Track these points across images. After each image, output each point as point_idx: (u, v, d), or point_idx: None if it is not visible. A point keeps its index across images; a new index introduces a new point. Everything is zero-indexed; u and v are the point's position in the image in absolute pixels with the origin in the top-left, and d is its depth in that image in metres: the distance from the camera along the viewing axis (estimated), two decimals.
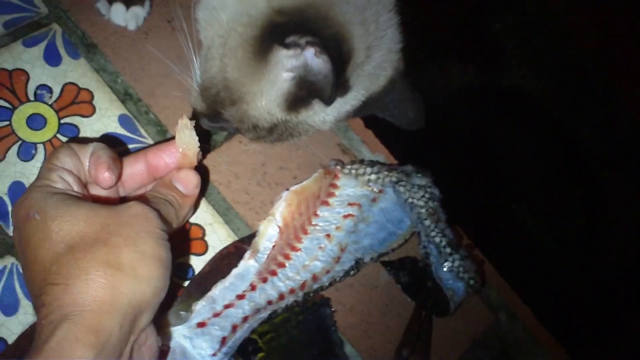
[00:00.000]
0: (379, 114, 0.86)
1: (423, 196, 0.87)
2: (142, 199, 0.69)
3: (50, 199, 0.63)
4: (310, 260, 0.81)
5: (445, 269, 0.87)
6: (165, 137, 0.86)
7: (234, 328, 0.76)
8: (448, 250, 0.86)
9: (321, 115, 0.79)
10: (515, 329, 0.91)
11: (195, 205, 0.82)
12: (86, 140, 0.74)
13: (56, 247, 0.59)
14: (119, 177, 0.72)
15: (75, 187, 0.68)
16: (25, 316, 0.75)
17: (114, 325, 0.57)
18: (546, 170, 1.95)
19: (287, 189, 0.83)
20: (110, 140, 0.85)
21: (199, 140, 0.76)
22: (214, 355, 0.74)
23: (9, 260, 0.77)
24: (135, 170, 0.75)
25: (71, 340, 0.55)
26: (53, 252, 0.59)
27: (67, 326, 0.55)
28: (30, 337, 0.69)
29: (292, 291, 0.80)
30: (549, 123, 2.11)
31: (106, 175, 0.69)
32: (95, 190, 0.72)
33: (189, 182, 0.74)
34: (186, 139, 0.75)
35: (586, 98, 2.16)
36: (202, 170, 0.82)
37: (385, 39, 0.79)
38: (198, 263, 0.82)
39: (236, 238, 0.85)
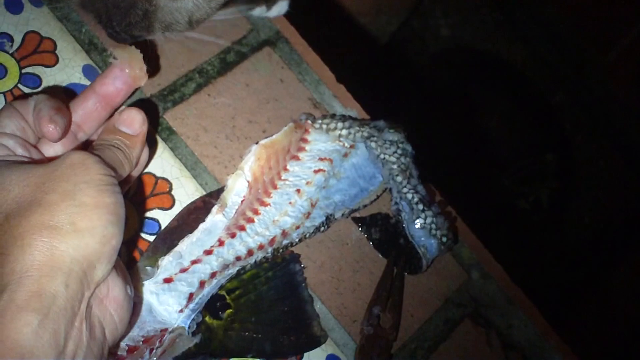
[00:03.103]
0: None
1: (395, 152, 0.85)
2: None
3: None
4: (280, 216, 0.80)
5: (417, 226, 0.85)
6: None
7: (202, 284, 0.74)
8: (420, 207, 0.85)
9: None
10: (488, 288, 0.90)
11: (151, 142, 0.79)
12: (49, 92, 0.72)
13: None
14: (67, 125, 0.68)
15: (19, 151, 0.65)
16: None
17: (58, 286, 0.54)
18: (520, 134, 1.96)
19: (257, 143, 0.81)
20: (73, 92, 0.82)
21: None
22: (180, 311, 0.73)
23: None
24: (87, 109, 0.72)
25: (12, 310, 0.52)
26: None
27: (7, 296, 0.53)
28: None
29: (261, 247, 0.78)
30: (523, 86, 2.11)
31: (50, 129, 0.66)
32: (50, 146, 0.69)
33: (132, 121, 0.71)
34: (127, 55, 0.72)
35: (560, 63, 2.16)
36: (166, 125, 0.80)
37: None
38: (165, 218, 0.80)
39: (204, 193, 0.83)
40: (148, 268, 0.74)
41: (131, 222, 0.79)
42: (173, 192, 0.82)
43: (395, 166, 0.85)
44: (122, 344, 0.69)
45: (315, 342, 0.82)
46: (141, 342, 0.71)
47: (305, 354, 0.81)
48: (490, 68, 2.14)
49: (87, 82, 0.82)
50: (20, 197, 0.57)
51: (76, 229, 0.56)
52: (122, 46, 0.73)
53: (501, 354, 0.88)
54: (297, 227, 0.81)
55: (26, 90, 0.80)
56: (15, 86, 0.80)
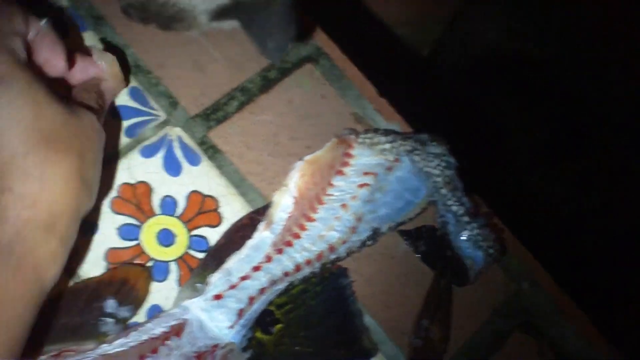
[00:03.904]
0: (243, 28, 0.82)
1: (438, 165, 0.85)
2: None
3: None
4: (327, 231, 0.80)
5: (463, 238, 0.86)
6: (176, 109, 0.85)
7: (251, 300, 0.75)
8: (466, 218, 0.85)
9: None
10: (538, 298, 0.90)
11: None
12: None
13: None
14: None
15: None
16: None
17: None
18: (561, 140, 1.94)
19: (301, 159, 0.82)
20: (121, 113, 0.83)
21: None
22: (231, 327, 0.74)
23: None
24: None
25: None
26: None
27: None
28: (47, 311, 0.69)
29: (308, 262, 0.79)
30: (557, 90, 2.09)
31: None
32: None
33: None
34: (107, 66, 0.75)
35: (607, 67, 2.14)
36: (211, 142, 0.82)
37: None
38: (213, 235, 0.81)
39: (250, 209, 0.84)
40: (198, 285, 0.75)
41: (180, 239, 0.80)
42: (220, 210, 0.83)
43: (439, 179, 0.85)
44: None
45: (365, 355, 0.82)
46: (194, 358, 0.71)
47: None
48: (536, 73, 2.12)
49: (133, 104, 0.84)
50: None
51: None
52: (103, 55, 0.75)
53: None
54: (344, 242, 0.81)
55: None
56: None
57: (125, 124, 0.83)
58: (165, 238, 0.80)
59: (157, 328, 0.71)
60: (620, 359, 0.89)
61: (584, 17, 2.02)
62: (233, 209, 0.83)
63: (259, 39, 0.81)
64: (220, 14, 0.81)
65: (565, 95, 2.00)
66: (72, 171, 0.62)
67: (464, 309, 0.87)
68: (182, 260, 0.79)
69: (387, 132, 0.87)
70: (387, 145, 0.86)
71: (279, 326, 0.78)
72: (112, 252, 0.78)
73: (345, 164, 0.84)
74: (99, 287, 0.74)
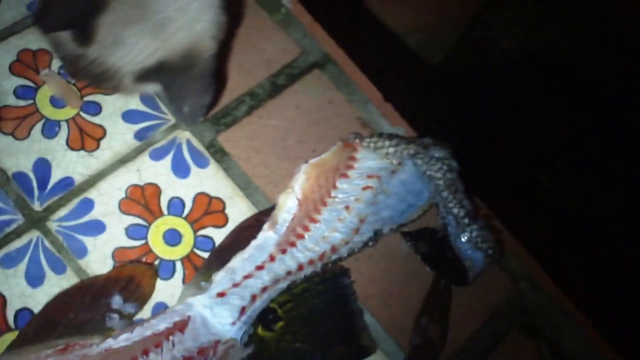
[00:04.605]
0: (164, 91, 0.83)
1: (441, 168, 0.87)
2: None
3: None
4: (330, 232, 0.82)
5: (463, 239, 0.87)
6: None
7: (254, 298, 0.77)
8: (466, 220, 0.87)
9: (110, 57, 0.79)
10: (537, 299, 0.92)
11: None
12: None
13: None
14: None
15: None
16: (50, 287, 0.78)
17: None
18: (582, 143, 1.92)
19: (306, 162, 0.84)
20: (132, 117, 0.87)
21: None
22: (233, 324, 0.76)
23: (35, 234, 0.79)
24: None
25: None
26: None
27: None
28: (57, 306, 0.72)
29: (311, 262, 0.81)
30: (593, 96, 2.07)
31: None
32: None
33: None
34: (62, 89, 0.80)
35: (632, 71, 2.12)
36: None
37: None
38: (218, 235, 0.84)
39: (256, 211, 0.87)
40: (202, 283, 0.77)
41: (187, 239, 0.83)
42: (226, 211, 0.85)
43: (441, 182, 0.87)
44: (178, 355, 0.73)
45: (365, 353, 0.84)
46: (196, 353, 0.74)
47: None
48: (558, 78, 2.10)
49: (144, 108, 0.87)
50: None
51: None
52: (54, 79, 0.78)
53: None
54: (347, 243, 0.83)
55: (87, 117, 0.85)
56: (77, 114, 0.85)
57: (136, 127, 0.86)
58: (172, 238, 0.83)
59: (161, 324, 0.74)
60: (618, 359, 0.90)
61: (606, 23, 2.01)
62: (239, 210, 0.86)
63: (176, 103, 0.83)
64: (143, 76, 0.82)
65: (580, 101, 2.00)
66: None
67: (463, 308, 0.89)
68: (187, 259, 0.82)
69: (391, 137, 0.89)
70: (391, 149, 0.88)
71: (280, 323, 0.80)
72: (119, 251, 0.81)
73: (350, 167, 0.86)
74: (106, 284, 0.77)
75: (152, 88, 0.85)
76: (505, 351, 0.89)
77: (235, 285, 0.77)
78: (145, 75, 0.81)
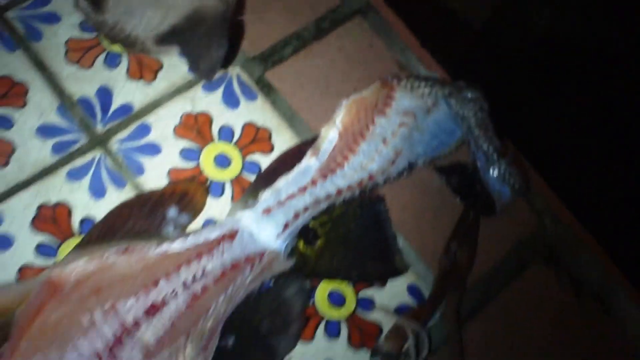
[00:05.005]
0: (181, 52, 0.91)
1: (472, 108, 0.93)
2: None
3: None
4: (367, 162, 0.89)
5: (492, 174, 0.93)
6: None
7: (296, 215, 0.84)
8: (495, 156, 0.93)
9: (126, 25, 0.88)
10: (559, 232, 0.97)
11: None
12: None
13: None
14: None
15: None
16: (111, 200, 0.85)
17: None
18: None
19: (348, 98, 0.91)
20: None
21: None
22: (277, 237, 0.82)
23: (97, 153, 0.86)
24: None
25: None
26: None
27: None
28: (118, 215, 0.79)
29: (349, 188, 0.87)
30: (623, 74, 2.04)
31: None
32: None
33: None
34: None
35: None
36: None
37: None
38: (264, 161, 0.91)
39: (299, 141, 0.94)
40: (250, 200, 0.84)
41: (236, 163, 0.89)
42: (272, 140, 0.92)
43: (472, 120, 0.93)
44: (227, 261, 0.79)
45: (397, 273, 0.91)
46: (243, 261, 0.80)
47: (388, 282, 0.90)
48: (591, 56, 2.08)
49: None
50: None
51: None
52: None
53: (571, 291, 0.95)
54: (383, 172, 0.89)
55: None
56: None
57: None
58: (222, 161, 0.89)
59: (213, 233, 0.80)
60: (634, 290, 0.96)
61: None
62: (284, 140, 0.93)
63: (191, 61, 0.92)
64: (161, 40, 0.90)
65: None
66: None
67: (490, 238, 0.95)
68: (236, 180, 0.89)
69: (427, 79, 0.96)
70: (427, 90, 0.94)
71: (320, 242, 0.87)
72: (173, 171, 0.88)
73: (388, 105, 0.93)
74: (162, 197, 0.84)
75: (173, 50, 0.92)
76: (528, 278, 0.95)
77: (280, 203, 0.84)
78: (162, 40, 0.89)
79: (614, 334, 0.95)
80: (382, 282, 0.90)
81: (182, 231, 0.83)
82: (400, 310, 0.89)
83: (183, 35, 0.88)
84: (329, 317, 0.86)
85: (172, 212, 0.82)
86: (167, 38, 0.88)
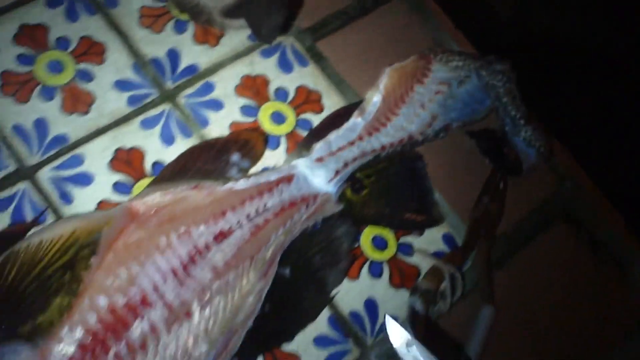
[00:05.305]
0: (246, 21, 0.99)
1: (501, 79, 1.03)
2: None
3: None
4: (407, 124, 0.98)
5: (519, 138, 1.03)
6: None
7: (346, 164, 0.92)
8: (522, 122, 1.02)
9: None
10: (579, 195, 1.08)
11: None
12: None
13: None
14: None
15: None
16: (179, 147, 0.94)
17: None
18: None
19: (390, 66, 1.01)
20: None
21: None
22: (329, 181, 0.91)
23: (167, 106, 0.96)
24: None
25: None
26: None
27: None
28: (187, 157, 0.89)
29: (391, 145, 0.96)
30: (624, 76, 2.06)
31: None
32: None
33: None
34: None
35: None
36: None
37: None
38: (316, 119, 1.01)
39: (347, 103, 1.03)
40: (304, 152, 0.93)
41: (290, 120, 0.99)
42: (322, 101, 1.02)
43: (501, 90, 1.03)
44: (285, 199, 0.89)
45: (434, 223, 1.00)
46: (299, 200, 0.90)
47: (426, 231, 0.99)
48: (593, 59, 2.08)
49: None
50: None
51: None
52: None
53: (589, 248, 1.04)
54: (421, 133, 0.98)
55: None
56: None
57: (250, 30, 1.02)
58: (278, 118, 0.99)
59: (272, 176, 0.89)
60: None
61: None
62: (333, 102, 1.02)
63: (254, 28, 0.99)
64: (227, 13, 0.98)
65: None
66: None
67: (517, 197, 1.04)
68: (290, 135, 0.98)
69: (460, 53, 1.06)
70: (460, 63, 1.04)
71: (365, 191, 0.96)
72: (234, 124, 0.97)
73: (425, 75, 1.02)
74: (226, 144, 0.92)
75: (238, 23, 1.00)
76: (549, 237, 1.04)
77: (331, 154, 0.93)
78: (229, 12, 0.98)
79: (630, 300, 1.05)
80: (420, 230, 0.98)
81: (243, 174, 0.91)
82: (436, 256, 0.97)
83: (247, 6, 0.96)
84: (373, 258, 0.94)
85: (235, 157, 0.91)
86: (235, 11, 0.97)
